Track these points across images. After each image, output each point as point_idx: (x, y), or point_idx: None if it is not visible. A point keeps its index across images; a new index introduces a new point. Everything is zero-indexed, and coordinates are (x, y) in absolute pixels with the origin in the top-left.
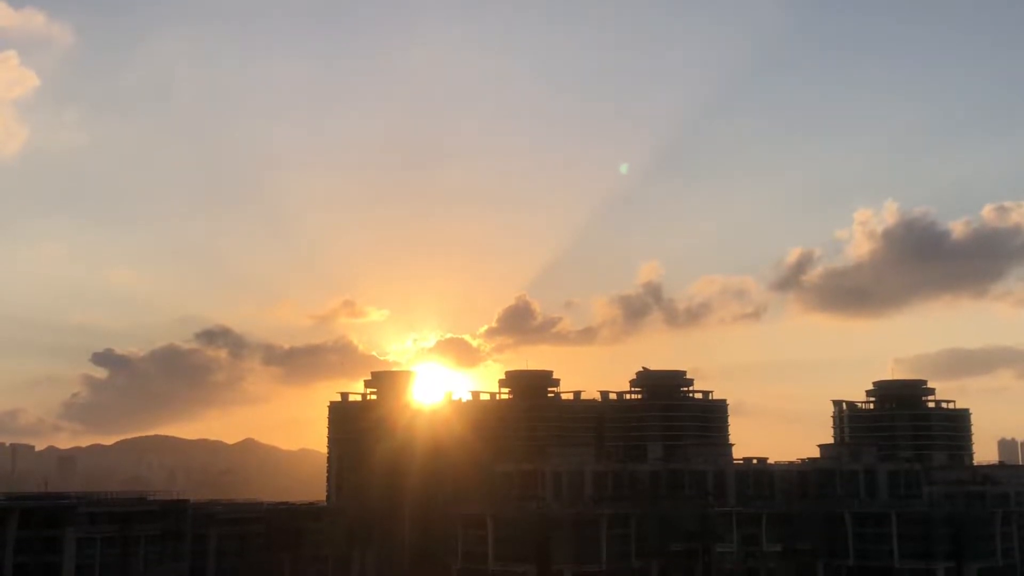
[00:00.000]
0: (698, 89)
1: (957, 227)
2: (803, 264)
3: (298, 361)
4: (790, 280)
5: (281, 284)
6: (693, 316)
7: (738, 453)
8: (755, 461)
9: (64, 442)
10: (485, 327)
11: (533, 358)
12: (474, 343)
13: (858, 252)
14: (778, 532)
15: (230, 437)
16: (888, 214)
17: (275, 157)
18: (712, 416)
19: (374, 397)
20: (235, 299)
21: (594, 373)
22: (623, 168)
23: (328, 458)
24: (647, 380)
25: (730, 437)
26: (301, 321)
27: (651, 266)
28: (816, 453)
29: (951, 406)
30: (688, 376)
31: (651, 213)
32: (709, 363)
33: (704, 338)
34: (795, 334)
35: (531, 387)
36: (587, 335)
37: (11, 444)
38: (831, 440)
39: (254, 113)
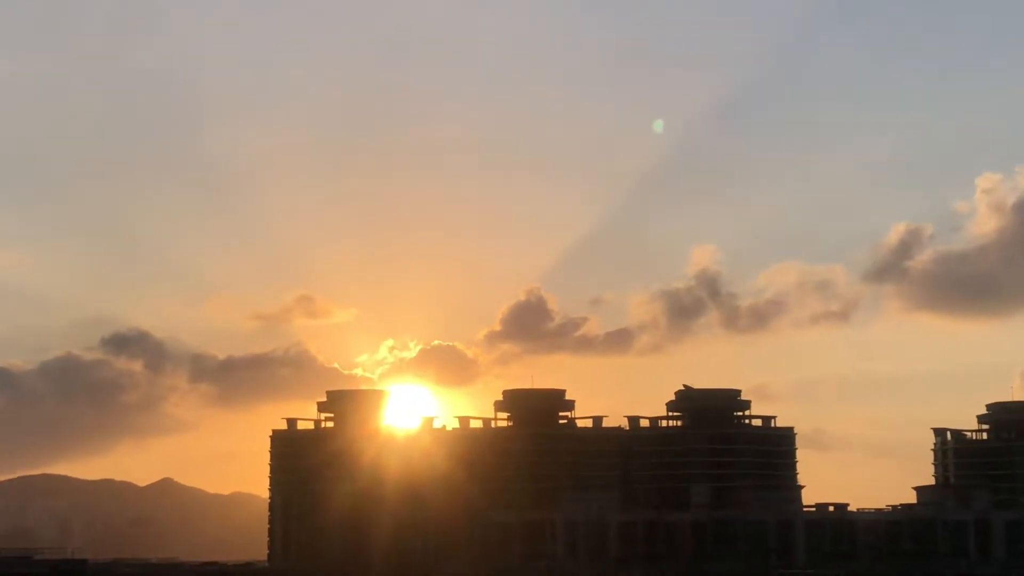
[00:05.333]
0: (769, 25)
1: None
2: (908, 246)
3: (236, 376)
4: (890, 268)
5: (216, 273)
6: (760, 317)
7: (810, 498)
8: (832, 508)
9: None
10: (485, 331)
11: (547, 372)
12: (470, 352)
13: (982, 230)
14: None
15: (143, 477)
16: (1023, 180)
17: (211, 110)
18: (775, 449)
19: (331, 424)
20: (155, 293)
21: (627, 392)
22: (657, 125)
23: (270, 504)
24: (690, 402)
25: (799, 477)
26: (242, 323)
27: (706, 251)
28: (912, 498)
29: None
30: (745, 397)
31: (706, 183)
32: (778, 379)
33: (774, 346)
34: (894, 340)
35: (537, 411)
36: (620, 341)
37: None
38: (931, 480)
39: (187, 54)
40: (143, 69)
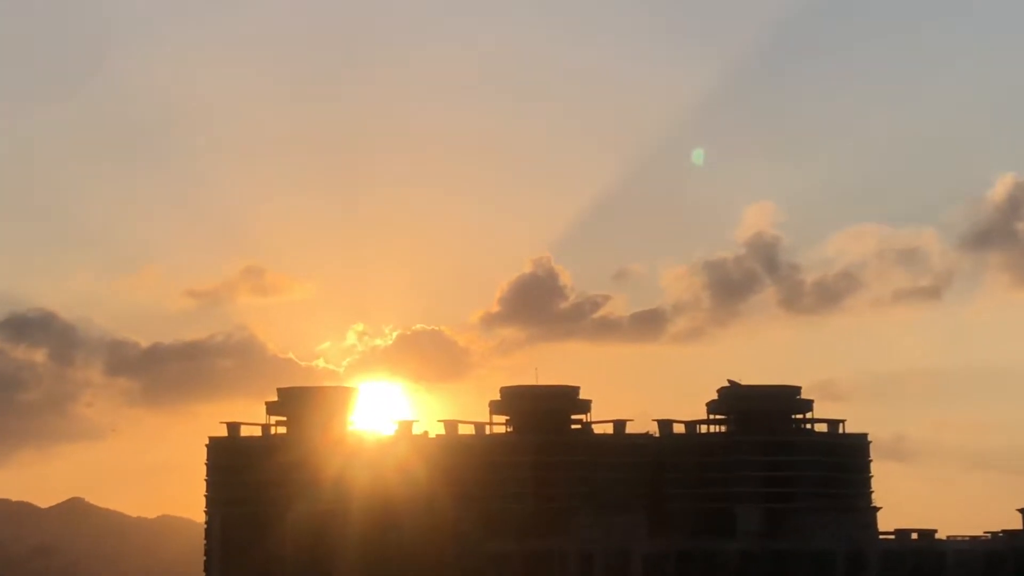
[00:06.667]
0: None
1: None
2: (1017, 204)
3: (164, 369)
4: (993, 231)
5: (140, 240)
6: (829, 294)
7: (888, 523)
8: (916, 536)
9: None
10: (479, 313)
11: (558, 364)
12: (460, 339)
13: None
14: None
15: (47, 496)
16: None
17: (135, 37)
18: (845, 461)
19: (283, 430)
20: (63, 265)
21: (658, 389)
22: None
23: (207, 530)
24: (737, 402)
25: (875, 496)
26: (172, 301)
27: (761, 210)
28: (1016, 523)
29: None
30: (807, 395)
31: (762, 126)
32: (849, 372)
33: (844, 331)
34: (996, 323)
35: (544, 414)
36: (650, 325)
37: None
38: None
39: None
40: None
